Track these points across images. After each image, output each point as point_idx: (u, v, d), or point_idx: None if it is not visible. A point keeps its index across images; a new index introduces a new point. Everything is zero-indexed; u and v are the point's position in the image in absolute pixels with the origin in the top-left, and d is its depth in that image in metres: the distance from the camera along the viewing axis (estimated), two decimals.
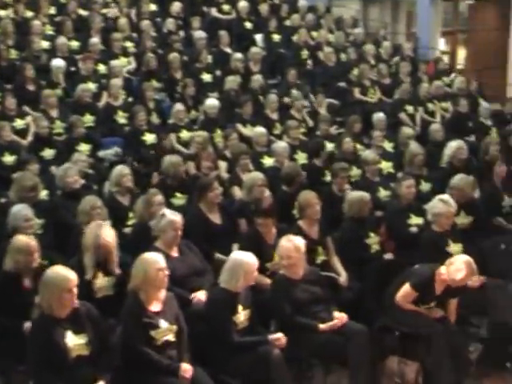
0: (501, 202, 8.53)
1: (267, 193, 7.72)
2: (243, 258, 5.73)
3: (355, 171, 9.29)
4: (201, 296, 6.02)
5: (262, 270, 6.18)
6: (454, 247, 6.96)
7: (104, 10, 13.86)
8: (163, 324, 5.25)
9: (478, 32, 17.62)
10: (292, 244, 6.04)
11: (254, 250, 5.96)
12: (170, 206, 7.54)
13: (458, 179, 8.03)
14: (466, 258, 6.15)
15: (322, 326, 5.87)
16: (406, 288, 6.16)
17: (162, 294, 5.39)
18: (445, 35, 17.07)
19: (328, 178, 8.96)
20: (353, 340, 5.81)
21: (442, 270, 6.12)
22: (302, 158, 9.88)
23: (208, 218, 7.29)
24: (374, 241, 7.39)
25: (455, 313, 6.33)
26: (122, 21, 13.20)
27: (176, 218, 6.24)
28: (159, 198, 7.11)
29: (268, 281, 6.37)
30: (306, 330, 5.85)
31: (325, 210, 7.36)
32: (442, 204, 7.03)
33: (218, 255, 6.89)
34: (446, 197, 7.18)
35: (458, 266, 6.05)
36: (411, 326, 6.12)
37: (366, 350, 5.82)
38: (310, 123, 11.34)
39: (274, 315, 6.06)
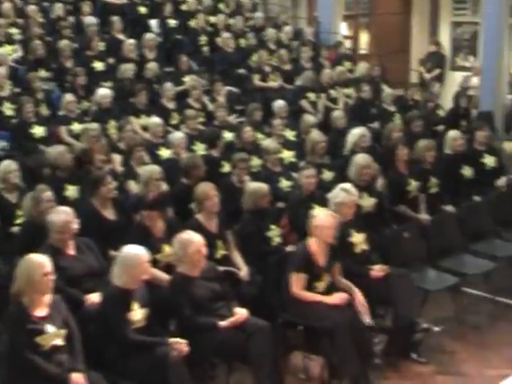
0: (406, 188, 8.71)
1: (164, 187, 7.68)
2: (130, 252, 5.72)
3: (255, 161, 9.33)
4: (95, 298, 5.96)
5: (153, 262, 6.14)
6: (356, 237, 7.07)
7: None
8: (50, 329, 5.18)
9: (380, 16, 17.94)
10: (190, 241, 6.03)
11: (140, 243, 5.93)
12: (61, 199, 7.44)
13: (359, 158, 8.24)
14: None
15: (221, 324, 5.89)
16: (292, 275, 6.38)
17: (48, 297, 5.31)
18: (347, 19, 17.31)
19: (227, 168, 8.98)
20: (255, 336, 5.84)
21: (310, 239, 6.44)
22: (200, 148, 9.85)
23: (101, 213, 7.21)
24: (274, 233, 7.46)
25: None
26: (6, 6, 12.88)
27: (66, 217, 6.16)
28: (48, 194, 6.98)
29: (166, 277, 6.34)
30: (205, 329, 5.85)
31: (224, 202, 7.37)
32: (343, 193, 7.14)
33: (113, 252, 6.81)
34: (347, 185, 7.29)
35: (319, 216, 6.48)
36: (313, 319, 6.22)
37: (268, 346, 5.86)
38: (211, 107, 11.31)
39: (173, 315, 6.04)
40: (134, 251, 5.73)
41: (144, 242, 6.09)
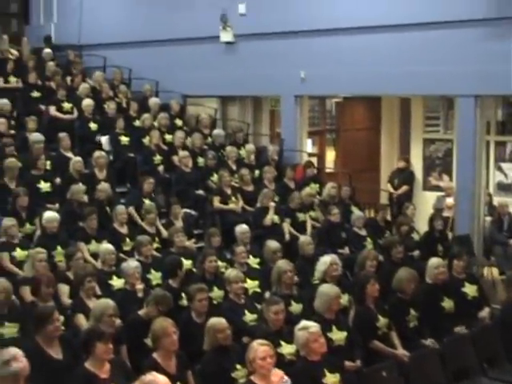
0: (375, 323, 8.76)
1: (118, 322, 7.63)
2: None
3: (217, 292, 9.35)
4: None
5: None
6: (330, 378, 7.04)
7: None
8: None
9: (348, 132, 18.39)
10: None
11: None
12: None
13: (326, 288, 8.38)
14: None
15: None
16: None
17: None
18: (312, 135, 17.67)
19: (185, 301, 8.95)
20: None
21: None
22: (156, 277, 9.87)
23: (47, 353, 7.10)
24: (241, 374, 7.38)
25: None
26: None
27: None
28: None
29: None
30: None
31: (183, 339, 7.31)
32: (304, 332, 7.18)
33: None
34: (308, 323, 7.34)
35: None
36: None
37: None
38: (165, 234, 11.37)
39: None
40: None
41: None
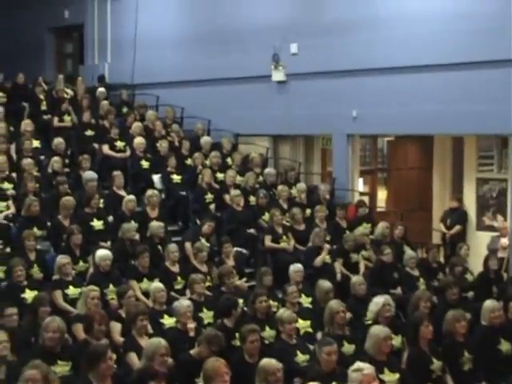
0: (429, 366, 8.63)
1: (170, 361, 7.62)
2: None
3: (268, 332, 9.30)
4: None
5: None
6: None
7: None
8: None
9: (399, 171, 18.30)
10: None
11: None
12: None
13: (377, 329, 8.27)
14: None
15: None
16: None
17: None
18: (363, 175, 17.62)
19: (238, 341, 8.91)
20: None
21: None
22: (208, 316, 9.86)
23: None
24: None
25: None
26: (1, 159, 13.12)
27: None
28: (32, 373, 6.84)
29: None
30: None
31: (235, 379, 7.26)
32: (358, 374, 7.08)
33: None
34: (362, 364, 7.23)
35: None
36: None
37: None
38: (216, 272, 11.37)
39: None
40: None
41: None
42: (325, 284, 10.51)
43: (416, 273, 12.13)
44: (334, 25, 15.76)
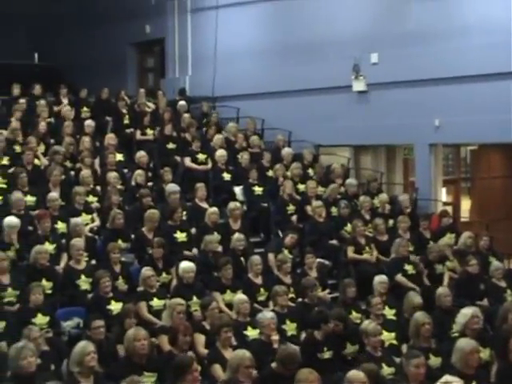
0: None
1: (254, 373, 7.62)
2: None
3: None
4: None
5: None
6: None
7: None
8: None
9: (483, 180, 18.04)
10: None
11: None
12: None
13: (463, 342, 8.14)
14: None
15: None
16: None
17: None
18: (446, 184, 17.41)
19: (327, 355, 8.97)
20: None
21: None
22: (291, 328, 9.85)
23: None
24: None
25: None
26: (86, 172, 13.31)
27: None
28: None
29: None
30: None
31: None
32: None
33: None
34: (451, 378, 7.10)
35: None
36: None
37: None
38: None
39: None
40: None
41: None
42: (415, 299, 10.35)
43: (503, 284, 11.90)
44: (415, 34, 15.66)
